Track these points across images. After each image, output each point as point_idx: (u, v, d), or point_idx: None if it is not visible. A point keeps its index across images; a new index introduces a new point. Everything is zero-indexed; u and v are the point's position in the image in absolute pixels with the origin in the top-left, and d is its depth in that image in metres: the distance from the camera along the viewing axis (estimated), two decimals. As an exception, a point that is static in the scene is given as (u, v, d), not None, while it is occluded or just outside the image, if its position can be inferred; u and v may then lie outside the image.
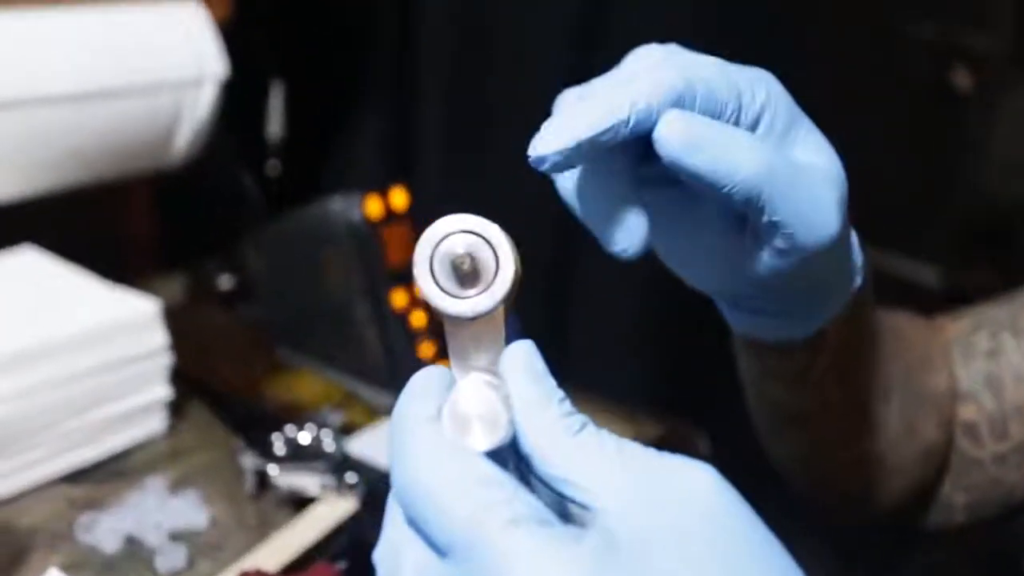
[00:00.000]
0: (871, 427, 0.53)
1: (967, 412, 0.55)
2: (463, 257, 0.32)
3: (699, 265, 0.44)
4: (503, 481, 0.29)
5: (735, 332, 0.50)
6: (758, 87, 0.39)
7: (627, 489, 0.29)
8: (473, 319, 0.33)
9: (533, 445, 0.30)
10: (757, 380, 0.53)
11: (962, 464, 0.57)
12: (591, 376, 0.98)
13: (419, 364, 0.82)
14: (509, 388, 0.31)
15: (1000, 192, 1.61)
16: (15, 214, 0.85)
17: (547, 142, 0.37)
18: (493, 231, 0.32)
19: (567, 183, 0.42)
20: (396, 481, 0.30)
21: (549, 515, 0.29)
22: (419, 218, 0.83)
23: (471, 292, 0.32)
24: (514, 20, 1.14)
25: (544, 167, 0.37)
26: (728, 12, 1.19)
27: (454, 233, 0.32)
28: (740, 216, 0.41)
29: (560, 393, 0.31)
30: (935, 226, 1.53)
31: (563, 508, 0.31)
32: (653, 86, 0.37)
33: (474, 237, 0.32)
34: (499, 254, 0.32)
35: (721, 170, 0.37)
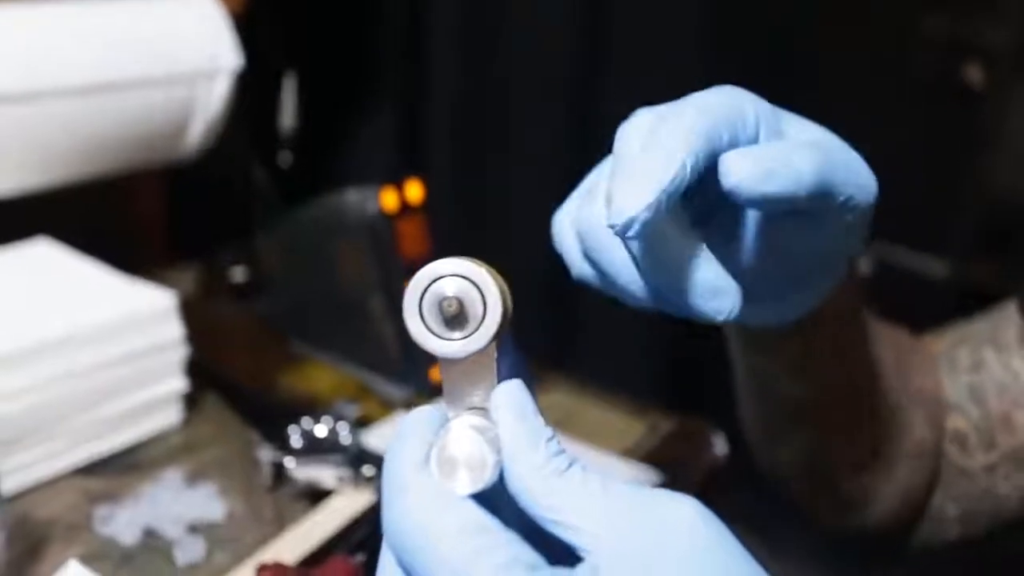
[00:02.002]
0: (868, 417, 0.53)
1: (956, 423, 0.56)
2: (451, 300, 0.33)
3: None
4: (493, 527, 0.30)
5: (738, 337, 0.51)
6: (744, 102, 0.39)
7: (613, 528, 0.30)
8: (462, 359, 0.34)
9: (521, 486, 0.31)
10: (758, 378, 0.53)
11: (952, 475, 0.57)
12: (603, 371, 0.98)
13: (433, 357, 0.82)
14: (498, 429, 0.32)
15: (1012, 187, 1.61)
16: (27, 206, 0.85)
17: (633, 200, 0.34)
18: (481, 275, 0.34)
19: (619, 257, 0.39)
20: (388, 528, 0.31)
21: (537, 559, 0.30)
22: (433, 210, 0.83)
23: (459, 334, 0.34)
24: (522, 12, 1.14)
25: (635, 230, 0.34)
26: (735, 10, 1.19)
27: (443, 277, 0.33)
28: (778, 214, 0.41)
29: (548, 432, 0.32)
30: (946, 221, 1.52)
31: (551, 546, 0.31)
32: (691, 132, 0.36)
33: (463, 281, 0.33)
34: (487, 298, 0.33)
35: (791, 183, 0.37)
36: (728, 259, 0.41)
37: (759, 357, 0.51)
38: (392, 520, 0.31)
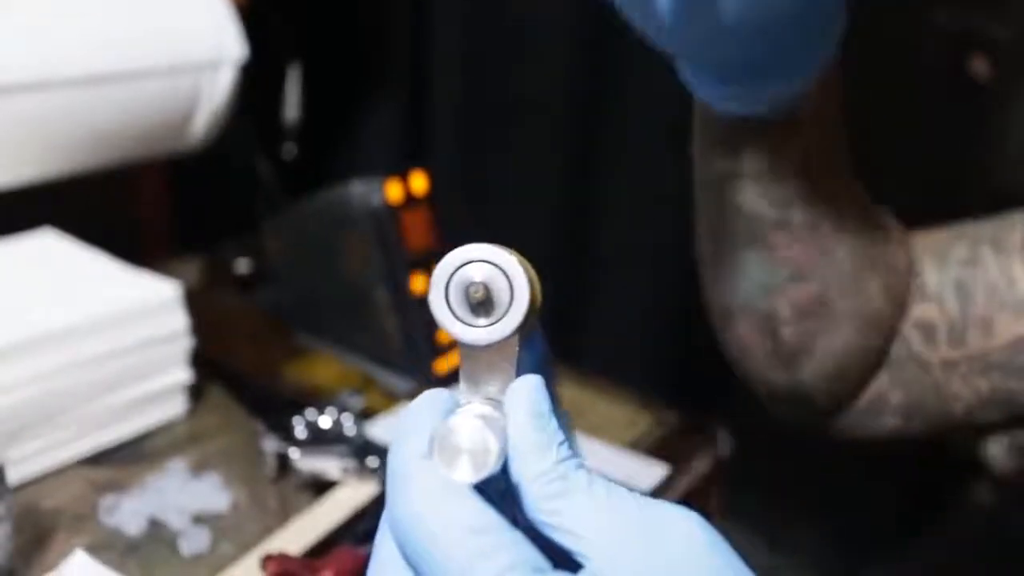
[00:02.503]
0: (824, 260, 0.52)
1: (927, 312, 0.54)
2: (478, 286, 0.33)
3: (703, 26, 0.42)
4: (498, 527, 0.29)
5: (710, 135, 0.50)
6: None
7: (615, 539, 0.30)
8: (484, 347, 0.33)
9: (526, 489, 0.31)
10: (719, 188, 0.52)
11: (906, 362, 0.55)
12: (609, 365, 0.98)
13: (437, 349, 0.82)
14: (508, 426, 0.32)
15: (1017, 180, 1.60)
16: (33, 197, 0.85)
17: None
18: (510, 262, 0.33)
19: None
20: (393, 514, 0.31)
21: (542, 561, 0.29)
22: (437, 202, 0.83)
23: (484, 321, 0.33)
24: (526, 3, 1.14)
25: None
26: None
27: (472, 262, 0.33)
28: None
29: (559, 436, 0.32)
30: (951, 214, 1.52)
31: (554, 544, 0.31)
32: None
33: (491, 267, 0.33)
34: (514, 285, 0.33)
35: None
36: (706, 11, 0.40)
37: (725, 161, 0.50)
38: (396, 509, 0.30)
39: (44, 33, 0.80)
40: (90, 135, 0.84)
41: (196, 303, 0.76)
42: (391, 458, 0.31)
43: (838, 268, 0.53)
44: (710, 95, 0.48)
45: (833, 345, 0.55)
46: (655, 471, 0.75)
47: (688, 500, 0.75)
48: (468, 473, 0.30)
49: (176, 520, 0.64)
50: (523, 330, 0.33)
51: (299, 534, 0.64)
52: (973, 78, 1.46)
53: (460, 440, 0.30)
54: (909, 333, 0.55)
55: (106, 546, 0.61)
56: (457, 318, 0.33)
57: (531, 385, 0.33)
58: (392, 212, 0.79)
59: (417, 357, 0.81)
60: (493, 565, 0.28)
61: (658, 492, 0.74)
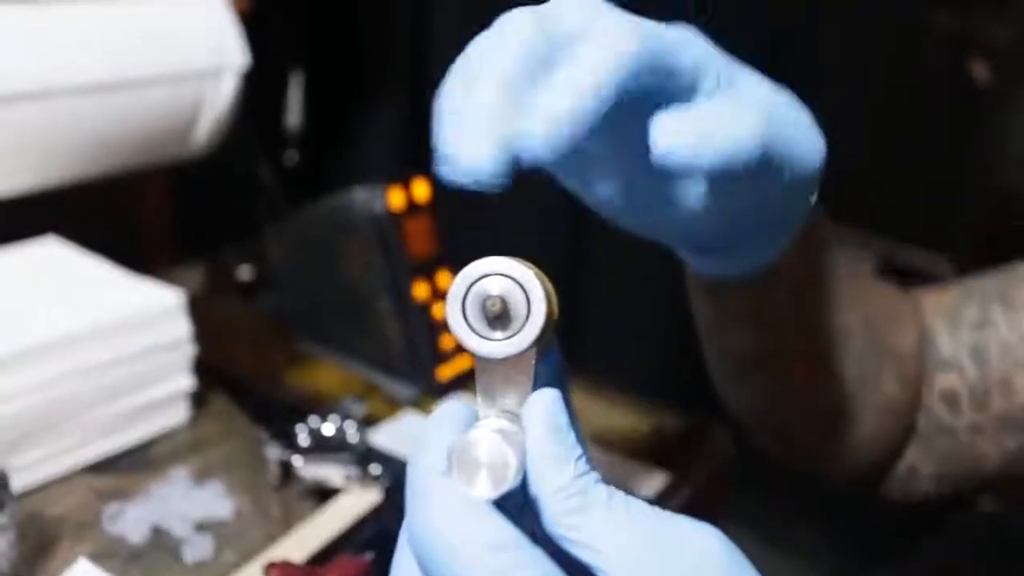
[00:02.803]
0: (829, 374, 0.53)
1: (948, 380, 0.55)
2: (495, 299, 0.33)
3: (659, 216, 0.42)
4: (519, 544, 0.29)
5: (694, 281, 0.50)
6: (692, 36, 0.37)
7: (633, 554, 0.30)
8: (501, 360, 0.33)
9: (544, 504, 0.31)
10: (718, 330, 0.52)
11: (934, 431, 0.56)
12: (610, 370, 0.98)
13: (440, 356, 0.82)
14: (527, 440, 0.32)
15: (1017, 184, 1.60)
16: (35, 204, 0.85)
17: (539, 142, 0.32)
18: (527, 275, 0.33)
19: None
20: (412, 530, 0.31)
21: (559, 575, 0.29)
22: (439, 209, 0.83)
23: (500, 335, 0.33)
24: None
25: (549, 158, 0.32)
26: (732, 7, 1.18)
27: (489, 275, 0.33)
28: None
29: (577, 451, 0.32)
30: (951, 218, 1.52)
31: (573, 559, 0.31)
32: (617, 58, 0.33)
33: (508, 280, 0.33)
34: (531, 299, 0.33)
35: (729, 155, 0.35)
36: (667, 203, 0.39)
37: (713, 307, 0.51)
38: (416, 525, 0.30)
39: (46, 41, 0.80)
40: (93, 143, 0.85)
41: (198, 310, 0.76)
42: (410, 472, 0.32)
43: (846, 375, 0.53)
44: (685, 257, 0.48)
45: (855, 440, 0.55)
46: (655, 478, 0.75)
47: (690, 504, 0.75)
48: (487, 488, 0.30)
49: (179, 528, 0.64)
50: (540, 344, 0.33)
51: (302, 541, 0.64)
52: (972, 81, 1.46)
53: (479, 455, 0.30)
54: (933, 404, 0.55)
55: (109, 554, 0.61)
56: (474, 331, 0.33)
57: (549, 398, 0.32)
58: (394, 219, 0.80)
59: (419, 364, 0.81)
60: None
61: (660, 498, 0.74)
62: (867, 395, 0.54)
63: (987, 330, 0.54)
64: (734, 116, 0.35)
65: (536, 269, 0.34)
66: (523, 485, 0.32)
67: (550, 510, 0.31)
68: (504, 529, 0.29)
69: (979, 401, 0.54)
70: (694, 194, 0.39)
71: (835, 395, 0.53)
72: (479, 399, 0.34)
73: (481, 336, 0.33)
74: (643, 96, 0.35)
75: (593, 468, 0.32)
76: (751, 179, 0.38)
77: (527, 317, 0.33)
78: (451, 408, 0.33)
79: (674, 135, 0.34)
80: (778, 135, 0.37)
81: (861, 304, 0.53)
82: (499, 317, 0.33)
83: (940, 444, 0.56)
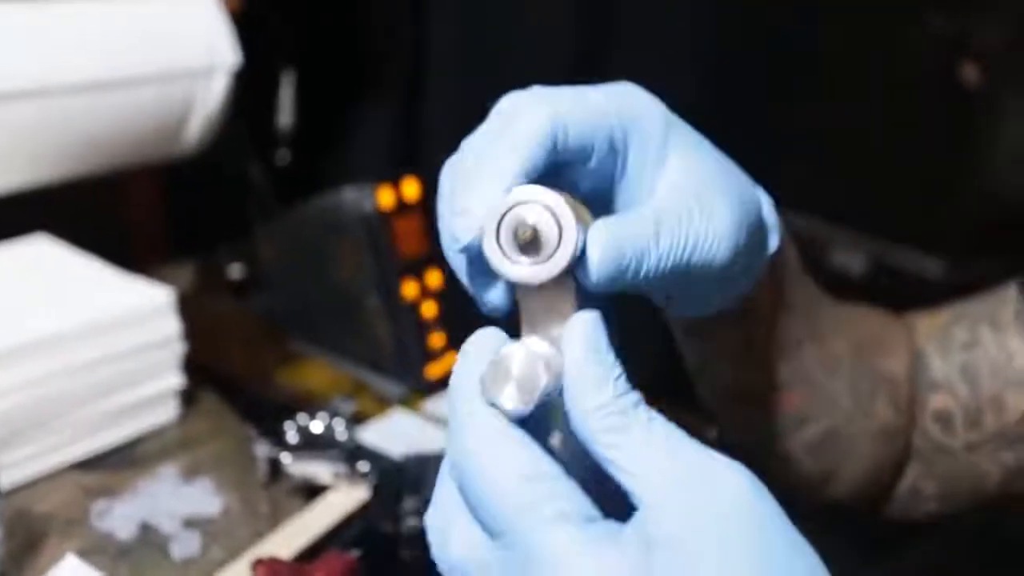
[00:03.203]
0: (821, 401, 0.53)
1: (941, 401, 0.55)
2: (527, 227, 0.33)
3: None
4: (552, 475, 0.30)
5: (672, 323, 0.50)
6: (623, 101, 0.39)
7: (669, 484, 0.30)
8: (539, 287, 0.34)
9: (583, 422, 0.31)
10: (705, 367, 0.53)
11: (932, 453, 0.56)
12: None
13: (429, 355, 0.82)
14: (565, 360, 0.32)
15: (1008, 185, 1.61)
16: (26, 202, 0.85)
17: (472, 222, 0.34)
18: (558, 202, 0.33)
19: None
20: (451, 454, 0.31)
21: (593, 510, 0.30)
22: (431, 208, 0.83)
23: (533, 260, 0.33)
24: (522, 11, 1.14)
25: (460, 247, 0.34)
26: (730, 9, 1.19)
27: (523, 203, 0.33)
28: None
29: (617, 370, 0.32)
30: (943, 220, 1.53)
31: (607, 492, 0.31)
32: (528, 136, 0.35)
33: (541, 208, 0.33)
34: (563, 226, 0.33)
35: (640, 270, 0.36)
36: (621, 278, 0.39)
37: (700, 343, 0.51)
38: (456, 449, 0.31)
39: (38, 41, 0.80)
40: (83, 141, 0.85)
41: (189, 308, 0.77)
42: (452, 391, 0.32)
43: (840, 403, 0.54)
44: (673, 312, 0.48)
45: (854, 465, 0.56)
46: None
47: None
48: (511, 402, 0.31)
49: (167, 525, 0.64)
50: (573, 272, 0.34)
51: (290, 538, 0.64)
52: (964, 84, 1.47)
53: (511, 367, 0.31)
54: (928, 425, 0.56)
55: (97, 550, 0.62)
56: (507, 258, 0.34)
57: (588, 319, 0.33)
58: (384, 218, 0.80)
59: (409, 362, 0.81)
60: (545, 513, 0.29)
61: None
62: (863, 423, 0.55)
63: (976, 350, 0.55)
64: (646, 231, 0.36)
65: (570, 197, 0.34)
66: (565, 418, 0.32)
67: (589, 428, 0.31)
68: (539, 460, 0.30)
69: (972, 420, 0.55)
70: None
71: (832, 422, 0.54)
72: (523, 329, 0.35)
73: (514, 262, 0.33)
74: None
75: (634, 390, 0.32)
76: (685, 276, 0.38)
77: (559, 243, 0.33)
78: (487, 333, 0.33)
79: (595, 262, 0.35)
80: (693, 250, 0.37)
81: (851, 330, 0.54)
82: (532, 243, 0.33)
83: (940, 464, 0.57)
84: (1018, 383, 0.53)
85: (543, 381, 0.31)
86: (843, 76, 1.29)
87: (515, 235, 0.33)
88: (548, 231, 0.33)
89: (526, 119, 0.36)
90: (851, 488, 0.57)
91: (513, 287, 0.35)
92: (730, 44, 1.20)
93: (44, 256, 0.79)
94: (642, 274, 0.35)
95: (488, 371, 0.31)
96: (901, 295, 0.62)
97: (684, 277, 0.38)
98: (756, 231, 0.42)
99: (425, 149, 1.16)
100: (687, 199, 0.38)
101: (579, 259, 0.34)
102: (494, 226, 0.34)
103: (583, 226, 0.34)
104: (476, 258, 0.35)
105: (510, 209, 0.33)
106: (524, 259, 0.33)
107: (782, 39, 1.25)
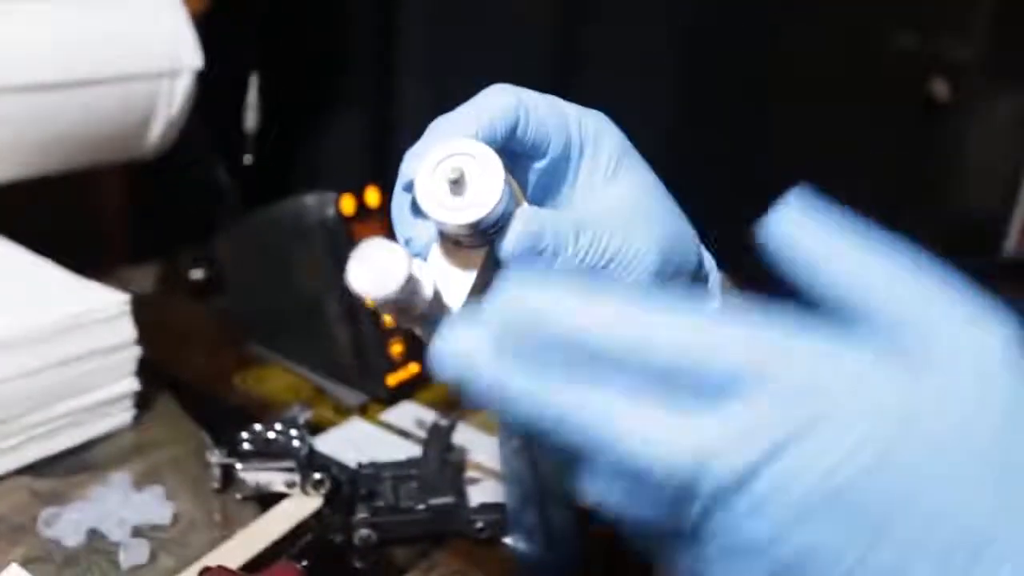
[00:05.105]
0: None
1: None
2: (457, 170, 0.35)
3: None
4: (476, 351, 0.29)
5: None
6: (591, 118, 0.42)
7: (931, 307, 0.27)
8: (455, 243, 0.37)
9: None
10: None
11: None
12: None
13: (388, 363, 0.82)
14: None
15: (976, 199, 1.63)
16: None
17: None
18: (496, 163, 0.36)
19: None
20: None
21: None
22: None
23: (456, 204, 0.36)
24: (494, 16, 1.14)
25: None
26: (704, 18, 1.19)
27: (464, 154, 0.36)
28: None
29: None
30: (911, 233, 1.54)
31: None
32: (494, 108, 0.39)
33: (478, 161, 0.36)
34: (492, 181, 0.36)
35: (556, 259, 0.39)
36: None
37: None
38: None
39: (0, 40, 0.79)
40: (46, 141, 0.84)
41: (151, 310, 0.76)
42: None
43: None
44: None
45: None
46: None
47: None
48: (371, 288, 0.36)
49: (117, 532, 0.63)
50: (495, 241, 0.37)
51: (242, 547, 0.63)
52: (933, 99, 1.48)
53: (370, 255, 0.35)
54: None
55: (44, 558, 0.61)
56: (434, 198, 0.36)
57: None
58: (344, 224, 0.79)
59: (368, 370, 0.81)
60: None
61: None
62: None
63: None
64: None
65: (512, 178, 0.38)
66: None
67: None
68: (468, 338, 0.28)
69: None
70: None
71: None
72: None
73: (439, 204, 0.36)
74: None
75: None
76: None
77: (485, 195, 0.35)
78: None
79: (515, 232, 0.38)
80: (610, 262, 0.40)
81: None
82: (457, 185, 0.35)
83: None
84: None
85: (401, 275, 0.34)
86: (814, 90, 1.30)
87: (449, 182, 0.36)
88: (478, 180, 0.35)
89: (496, 96, 0.39)
90: None
91: (436, 237, 0.38)
92: (703, 64, 1.21)
93: (-1, 257, 0.78)
94: (556, 264, 0.38)
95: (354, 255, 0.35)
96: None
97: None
98: (682, 275, 0.43)
99: (394, 155, 1.16)
100: (613, 221, 0.40)
101: (500, 229, 0.37)
102: (431, 166, 0.36)
103: (514, 197, 0.37)
104: (414, 201, 0.38)
105: (451, 156, 0.36)
106: (448, 201, 0.36)
107: (755, 58, 1.26)
